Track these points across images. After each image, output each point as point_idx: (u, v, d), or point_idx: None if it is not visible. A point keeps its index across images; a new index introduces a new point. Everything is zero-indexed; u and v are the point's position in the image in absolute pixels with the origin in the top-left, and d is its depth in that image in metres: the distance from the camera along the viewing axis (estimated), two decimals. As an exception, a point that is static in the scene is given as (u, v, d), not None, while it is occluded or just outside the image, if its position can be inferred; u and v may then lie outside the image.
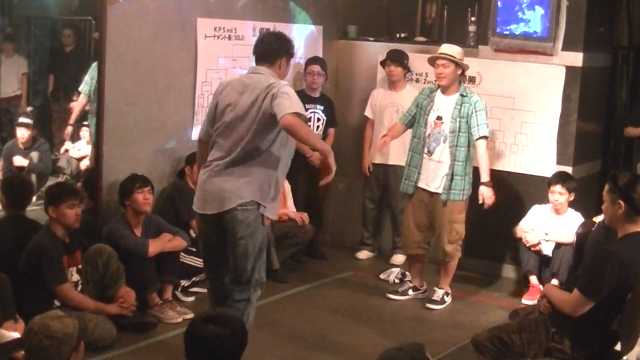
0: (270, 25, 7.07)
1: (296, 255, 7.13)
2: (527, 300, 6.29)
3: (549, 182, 6.42)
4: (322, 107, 7.21)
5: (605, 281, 3.94)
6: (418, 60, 7.13)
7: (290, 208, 7.01)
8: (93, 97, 6.44)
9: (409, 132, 6.33)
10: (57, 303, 5.08)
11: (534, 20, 6.75)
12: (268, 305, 6.18)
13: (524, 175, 6.93)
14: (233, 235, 4.62)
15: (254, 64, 4.83)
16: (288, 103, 4.44)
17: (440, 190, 6.08)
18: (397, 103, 7.11)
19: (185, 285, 6.09)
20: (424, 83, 7.11)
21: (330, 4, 7.73)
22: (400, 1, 8.35)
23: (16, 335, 4.33)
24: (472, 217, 6.89)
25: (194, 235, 6.10)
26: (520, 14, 6.78)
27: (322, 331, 5.72)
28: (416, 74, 7.28)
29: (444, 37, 7.88)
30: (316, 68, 7.12)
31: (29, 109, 7.73)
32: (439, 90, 6.15)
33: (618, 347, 4.17)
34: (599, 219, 5.44)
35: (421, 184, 6.15)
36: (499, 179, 7.01)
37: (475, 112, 6.01)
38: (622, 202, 3.99)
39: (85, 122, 7.51)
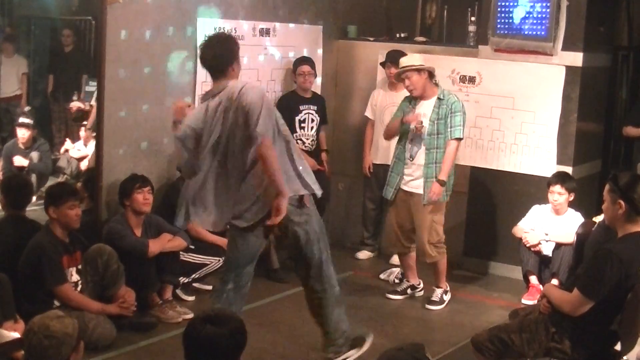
0: (270, 25, 7.08)
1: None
2: (527, 300, 6.29)
3: (548, 182, 6.42)
4: (315, 107, 7.18)
5: (605, 281, 3.94)
6: (418, 61, 7.13)
7: (290, 208, 7.00)
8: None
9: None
10: (56, 303, 5.08)
11: (533, 20, 6.75)
12: (268, 305, 6.18)
13: (524, 175, 6.93)
14: None
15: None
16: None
17: (420, 191, 6.08)
18: (398, 103, 7.09)
19: (185, 282, 6.09)
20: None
21: (330, 4, 7.73)
22: (400, 1, 8.35)
23: (16, 335, 4.33)
24: (472, 217, 6.91)
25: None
26: (520, 14, 6.78)
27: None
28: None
29: (444, 37, 7.88)
30: (306, 68, 7.06)
31: (28, 108, 7.74)
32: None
33: (618, 347, 4.17)
34: (599, 219, 5.44)
35: (403, 187, 6.17)
36: (499, 179, 7.03)
37: (451, 113, 6.03)
38: (622, 202, 4.00)
39: (85, 123, 7.52)
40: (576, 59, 6.69)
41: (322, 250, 4.88)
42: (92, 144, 7.19)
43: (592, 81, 6.94)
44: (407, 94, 7.04)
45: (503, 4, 6.85)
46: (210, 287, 6.32)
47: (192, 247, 6.04)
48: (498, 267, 7.17)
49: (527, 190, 6.89)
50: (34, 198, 6.03)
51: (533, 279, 6.43)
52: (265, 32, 7.05)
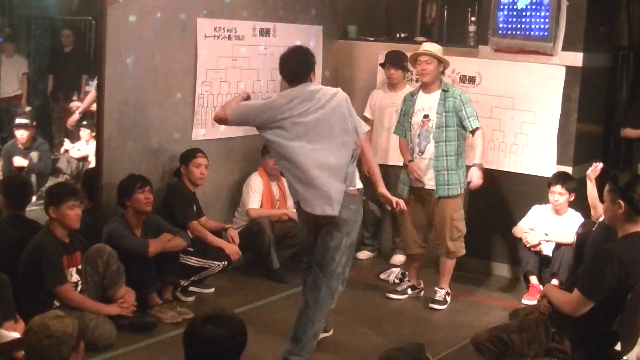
0: (270, 25, 7.08)
1: (296, 255, 7.13)
2: (527, 300, 6.29)
3: (549, 183, 6.42)
4: None
5: (605, 281, 3.94)
6: (418, 61, 7.13)
7: (290, 208, 7.00)
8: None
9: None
10: (56, 303, 5.07)
11: (534, 20, 6.74)
12: (268, 305, 6.19)
13: (524, 175, 6.93)
14: None
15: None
16: None
17: (433, 186, 6.09)
18: (397, 103, 7.10)
19: (185, 284, 6.09)
20: (424, 83, 7.10)
21: (330, 4, 7.73)
22: (400, 1, 8.35)
23: (16, 335, 4.33)
24: (472, 217, 6.89)
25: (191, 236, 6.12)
26: (520, 14, 6.78)
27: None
28: (416, 74, 7.26)
29: (444, 37, 7.88)
30: None
31: (28, 108, 7.75)
32: (420, 92, 6.19)
33: (618, 347, 4.17)
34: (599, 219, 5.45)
35: (417, 184, 6.17)
36: (499, 179, 7.03)
37: (463, 105, 6.05)
38: (622, 202, 4.00)
39: (85, 122, 7.52)
40: (576, 59, 6.69)
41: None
42: (92, 143, 7.20)
43: (592, 81, 6.93)
44: (406, 93, 7.06)
45: (503, 4, 6.85)
46: (211, 291, 6.34)
47: (192, 249, 6.03)
48: (498, 267, 7.17)
49: (527, 190, 6.89)
50: (34, 198, 6.04)
51: (533, 279, 6.43)
52: (265, 32, 7.06)
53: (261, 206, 6.82)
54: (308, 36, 7.51)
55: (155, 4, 6.09)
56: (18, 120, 7.53)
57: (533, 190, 6.81)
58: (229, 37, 6.71)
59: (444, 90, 6.10)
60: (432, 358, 2.93)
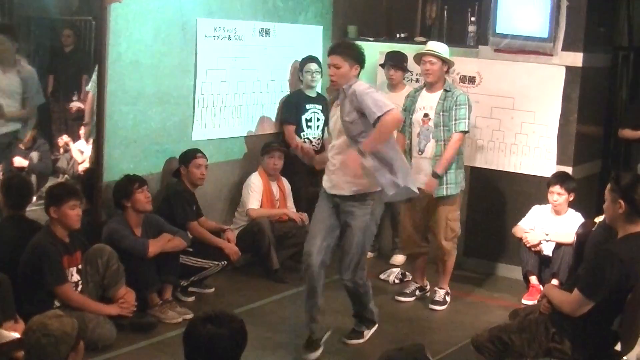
0: (270, 25, 7.08)
1: (296, 255, 7.12)
2: (527, 301, 6.29)
3: (548, 183, 6.42)
4: (320, 107, 7.23)
5: (605, 281, 3.94)
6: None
7: (291, 208, 7.01)
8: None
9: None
10: (57, 303, 5.07)
11: (534, 20, 6.74)
12: (268, 305, 6.19)
13: (524, 175, 6.93)
14: None
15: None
16: None
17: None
18: (397, 103, 7.07)
19: (184, 284, 6.09)
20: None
21: (330, 4, 7.74)
22: (400, 1, 8.35)
23: (16, 335, 4.33)
24: (472, 217, 6.91)
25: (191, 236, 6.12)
26: (520, 14, 6.78)
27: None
28: (416, 74, 7.27)
29: (444, 37, 7.88)
30: (314, 66, 7.16)
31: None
32: (423, 90, 6.20)
33: (618, 347, 4.17)
34: (599, 219, 5.44)
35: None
36: (499, 179, 7.03)
37: (456, 106, 6.03)
38: (622, 202, 4.00)
39: (84, 122, 7.51)
40: (576, 59, 6.69)
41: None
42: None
43: (592, 81, 6.94)
44: (410, 90, 7.06)
45: (503, 4, 6.85)
46: (211, 291, 6.34)
47: (192, 249, 6.04)
48: (498, 267, 7.18)
49: (527, 191, 6.89)
50: (34, 198, 6.02)
51: (533, 279, 6.43)
52: (265, 32, 7.06)
53: (261, 206, 6.82)
54: (308, 36, 7.51)
55: (155, 4, 6.09)
56: (20, 120, 7.52)
57: (533, 190, 6.81)
58: (229, 37, 6.72)
59: (445, 91, 6.10)
60: (432, 358, 2.94)
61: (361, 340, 5.53)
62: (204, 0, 6.48)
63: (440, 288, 6.36)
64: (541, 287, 6.04)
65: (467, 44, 7.29)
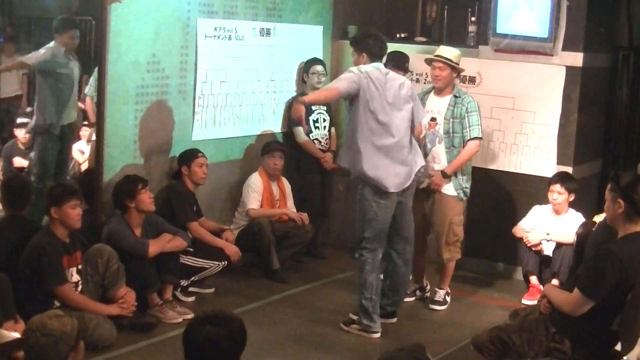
0: (270, 26, 7.08)
1: (296, 255, 7.13)
2: (527, 300, 6.29)
3: (548, 182, 6.42)
4: (325, 108, 7.26)
5: (605, 281, 3.94)
6: (418, 61, 7.11)
7: (291, 208, 7.01)
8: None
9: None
10: (57, 303, 5.07)
11: (534, 20, 6.74)
12: (268, 305, 6.19)
13: (524, 175, 6.93)
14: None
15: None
16: None
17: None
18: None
19: (184, 285, 6.09)
20: (424, 83, 7.10)
21: (331, 4, 7.74)
22: (400, 1, 8.35)
23: (16, 335, 4.33)
24: (472, 217, 6.90)
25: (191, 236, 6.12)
26: (520, 14, 6.78)
27: (322, 331, 5.72)
28: (416, 74, 7.28)
29: (444, 37, 7.88)
30: (320, 68, 7.20)
31: (29, 109, 7.73)
32: (432, 92, 6.19)
33: (618, 347, 4.17)
34: (599, 219, 5.44)
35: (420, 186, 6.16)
36: (499, 179, 7.03)
37: (468, 113, 6.04)
38: (622, 202, 4.00)
39: (85, 122, 7.51)
40: (576, 59, 6.69)
41: None
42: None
43: (592, 81, 6.94)
44: (418, 92, 7.05)
45: (503, 4, 6.85)
46: (211, 291, 6.34)
47: (192, 249, 6.03)
48: (498, 267, 7.18)
49: (527, 191, 6.89)
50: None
51: (533, 279, 6.43)
52: (265, 32, 7.06)
53: (261, 206, 6.82)
54: (308, 36, 7.51)
55: (155, 3, 6.08)
56: (19, 120, 7.52)
57: (533, 190, 6.81)
58: (229, 37, 6.71)
59: (455, 96, 6.09)
60: (432, 358, 2.93)
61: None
62: (204, 0, 6.48)
63: (441, 288, 6.36)
64: (541, 287, 6.03)
65: (467, 44, 7.28)
